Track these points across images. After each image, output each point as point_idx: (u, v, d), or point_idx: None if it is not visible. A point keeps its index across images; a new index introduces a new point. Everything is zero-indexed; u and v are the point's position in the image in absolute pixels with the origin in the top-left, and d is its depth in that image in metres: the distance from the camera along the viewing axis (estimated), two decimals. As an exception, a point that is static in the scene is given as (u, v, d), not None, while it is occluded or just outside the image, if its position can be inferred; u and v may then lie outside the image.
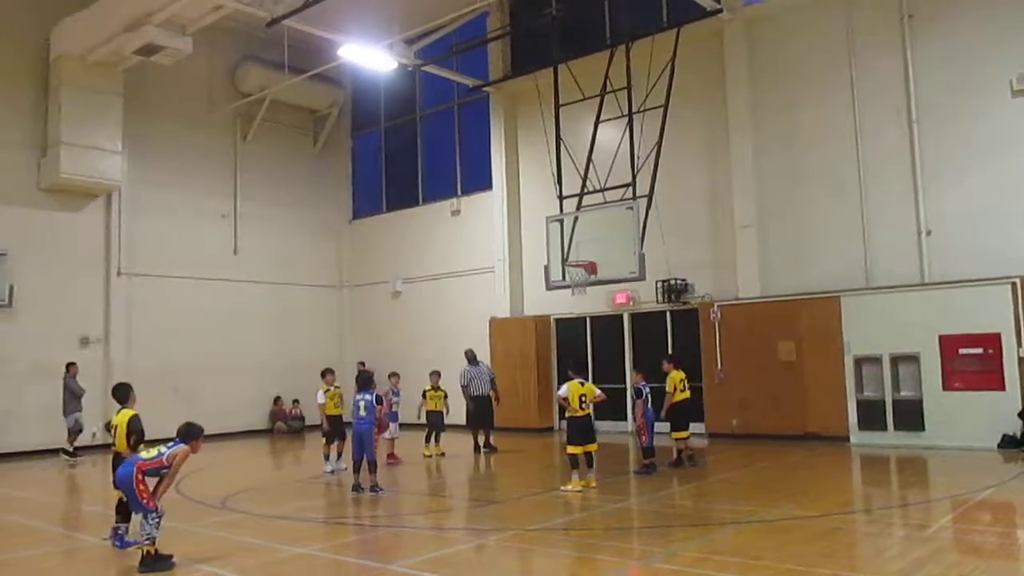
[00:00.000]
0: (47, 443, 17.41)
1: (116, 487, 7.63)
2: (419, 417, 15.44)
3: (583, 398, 11.11)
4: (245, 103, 22.20)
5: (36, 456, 17.18)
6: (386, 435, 14.32)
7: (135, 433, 8.25)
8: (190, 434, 7.75)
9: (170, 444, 7.62)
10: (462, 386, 16.10)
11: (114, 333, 19.42)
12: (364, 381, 11.81)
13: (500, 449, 15.85)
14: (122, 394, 8.55)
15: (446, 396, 15.76)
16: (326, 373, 14.05)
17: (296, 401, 22.17)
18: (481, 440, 15.91)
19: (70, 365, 17.07)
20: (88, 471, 15.61)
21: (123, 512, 8.13)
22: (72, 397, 16.77)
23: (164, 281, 20.42)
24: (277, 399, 22.27)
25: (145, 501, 7.33)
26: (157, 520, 7.33)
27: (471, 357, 16.41)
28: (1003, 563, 7.03)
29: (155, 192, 20.48)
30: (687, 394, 13.12)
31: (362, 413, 11.27)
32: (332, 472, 13.37)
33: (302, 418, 21.93)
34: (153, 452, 7.52)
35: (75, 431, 16.73)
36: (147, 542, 7.27)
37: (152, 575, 7.17)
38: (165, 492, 7.63)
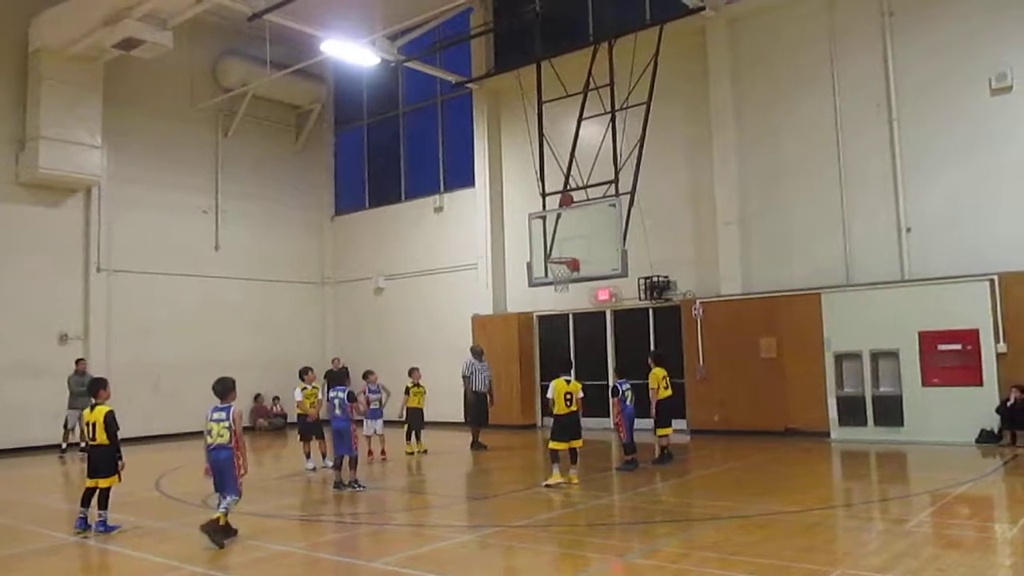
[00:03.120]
0: (26, 441, 17.27)
1: (212, 469, 8.22)
2: (401, 415, 15.41)
3: (568, 396, 11.12)
4: (227, 98, 22.06)
5: (15, 454, 17.01)
6: (366, 431, 14.33)
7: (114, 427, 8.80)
8: (227, 388, 8.48)
9: (216, 412, 8.27)
10: (464, 377, 16.07)
11: (93, 330, 19.25)
12: (336, 378, 11.84)
13: (488, 447, 15.77)
14: (95, 388, 9.07)
15: (425, 392, 15.71)
16: (305, 372, 14.01)
17: (276, 398, 22.06)
18: (470, 438, 15.88)
19: (78, 361, 16.95)
20: (61, 468, 15.48)
21: (88, 501, 8.75)
22: (71, 394, 16.58)
23: (144, 277, 20.26)
24: (257, 396, 22.15)
25: (239, 480, 8.18)
26: (237, 498, 8.17)
27: (478, 353, 16.36)
28: (981, 556, 7.09)
29: (135, 187, 20.30)
30: (669, 392, 13.13)
31: (336, 412, 11.39)
32: (313, 469, 13.32)
33: (284, 415, 21.81)
34: (224, 430, 8.17)
35: (67, 427, 16.54)
36: (223, 511, 8.00)
37: (217, 539, 7.88)
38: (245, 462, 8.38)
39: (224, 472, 8.18)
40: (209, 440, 8.25)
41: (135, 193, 20.28)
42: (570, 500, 10.19)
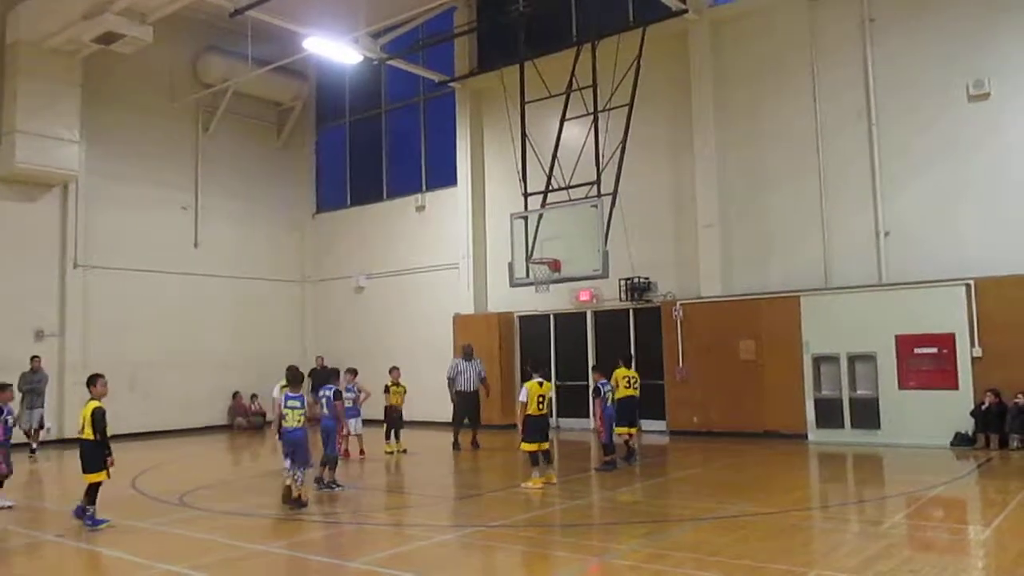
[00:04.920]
0: None
1: (291, 446, 9.70)
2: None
3: (541, 398, 11.11)
4: (208, 94, 21.90)
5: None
6: (346, 431, 14.28)
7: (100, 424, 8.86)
8: (298, 378, 10.11)
9: (291, 400, 9.75)
10: (448, 379, 15.98)
11: (70, 327, 19.05)
12: (324, 377, 11.84)
13: (481, 447, 15.71)
14: (90, 385, 9.19)
15: (405, 392, 15.68)
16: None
17: (255, 396, 21.92)
18: (464, 438, 15.80)
19: (33, 358, 16.72)
20: (32, 466, 15.32)
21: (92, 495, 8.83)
22: (22, 393, 16.32)
23: (122, 274, 20.07)
24: (235, 394, 22.01)
25: (311, 455, 9.94)
26: (311, 468, 10.07)
27: (467, 352, 16.20)
28: (954, 558, 7.18)
29: (114, 183, 20.12)
30: (631, 392, 13.05)
31: (324, 411, 11.31)
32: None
33: (262, 414, 21.68)
34: (300, 415, 9.75)
35: (20, 426, 16.31)
36: (300, 482, 9.67)
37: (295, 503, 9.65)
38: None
39: (299, 449, 9.68)
40: (285, 424, 9.75)
41: (113, 189, 20.10)
42: (549, 500, 10.19)
